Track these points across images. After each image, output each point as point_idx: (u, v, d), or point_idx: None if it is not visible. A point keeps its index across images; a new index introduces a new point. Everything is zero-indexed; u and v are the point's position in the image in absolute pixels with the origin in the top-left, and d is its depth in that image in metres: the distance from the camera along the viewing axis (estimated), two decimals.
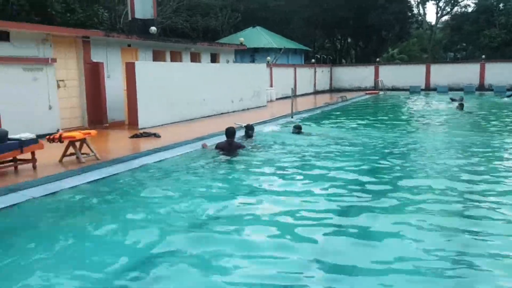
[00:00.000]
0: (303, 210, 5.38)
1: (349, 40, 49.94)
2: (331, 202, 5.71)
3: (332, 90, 33.80)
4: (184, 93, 14.42)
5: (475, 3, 39.89)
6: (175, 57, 16.73)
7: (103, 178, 6.82)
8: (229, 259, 4.04)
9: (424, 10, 47.70)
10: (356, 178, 6.90)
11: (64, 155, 7.96)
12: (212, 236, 4.59)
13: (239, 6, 34.94)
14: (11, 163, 7.19)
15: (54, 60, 11.55)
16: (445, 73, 30.88)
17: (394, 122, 15.18)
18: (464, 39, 40.19)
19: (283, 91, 25.75)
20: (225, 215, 5.22)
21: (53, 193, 5.94)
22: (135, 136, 10.94)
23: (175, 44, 16.49)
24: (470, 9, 40.64)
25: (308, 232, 4.68)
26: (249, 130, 10.35)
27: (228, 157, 8.33)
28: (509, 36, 33.99)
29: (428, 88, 30.87)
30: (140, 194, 6.11)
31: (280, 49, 29.88)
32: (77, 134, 7.69)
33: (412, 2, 42.23)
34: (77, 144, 7.93)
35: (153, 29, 15.04)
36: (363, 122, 14.51)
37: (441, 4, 40.73)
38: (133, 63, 12.38)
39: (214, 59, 19.43)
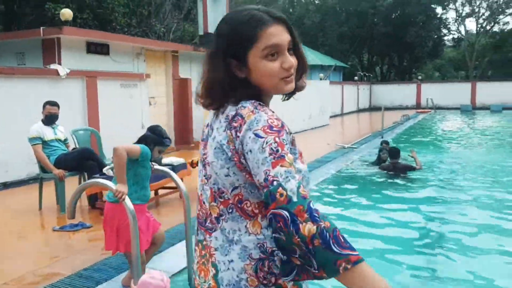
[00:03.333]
0: None
1: (374, 58, 49.35)
2: None
3: (371, 108, 32.93)
4: None
5: None
6: None
7: None
8: None
9: (465, 27, 47.01)
10: None
11: None
12: None
13: None
14: (162, 193, 6.31)
15: (148, 75, 10.78)
16: (491, 91, 29.88)
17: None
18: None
19: (332, 109, 24.94)
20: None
21: None
22: None
23: None
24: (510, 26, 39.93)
25: None
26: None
27: (398, 180, 7.59)
28: None
29: (474, 107, 29.74)
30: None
31: (324, 66, 29.16)
32: None
33: (450, 19, 41.62)
34: None
35: None
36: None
37: (480, 21, 39.92)
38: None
39: None
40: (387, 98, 33.02)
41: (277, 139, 1.20)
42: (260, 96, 1.36)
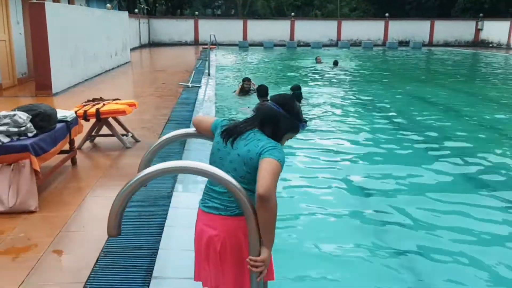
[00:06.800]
0: None
1: None
2: None
3: (151, 44, 31.57)
4: (83, 46, 11.36)
5: None
6: None
7: None
8: None
9: None
10: None
11: (86, 138, 5.38)
12: None
13: None
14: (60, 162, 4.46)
15: None
16: (260, 30, 32.33)
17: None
18: None
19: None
20: None
21: None
22: None
23: None
24: None
25: None
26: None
27: None
28: None
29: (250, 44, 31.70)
30: None
31: None
32: (122, 107, 5.25)
33: None
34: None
35: None
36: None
37: None
38: (42, 4, 8.92)
39: (68, 1, 15.69)
40: (166, 33, 32.15)
41: None
42: None
